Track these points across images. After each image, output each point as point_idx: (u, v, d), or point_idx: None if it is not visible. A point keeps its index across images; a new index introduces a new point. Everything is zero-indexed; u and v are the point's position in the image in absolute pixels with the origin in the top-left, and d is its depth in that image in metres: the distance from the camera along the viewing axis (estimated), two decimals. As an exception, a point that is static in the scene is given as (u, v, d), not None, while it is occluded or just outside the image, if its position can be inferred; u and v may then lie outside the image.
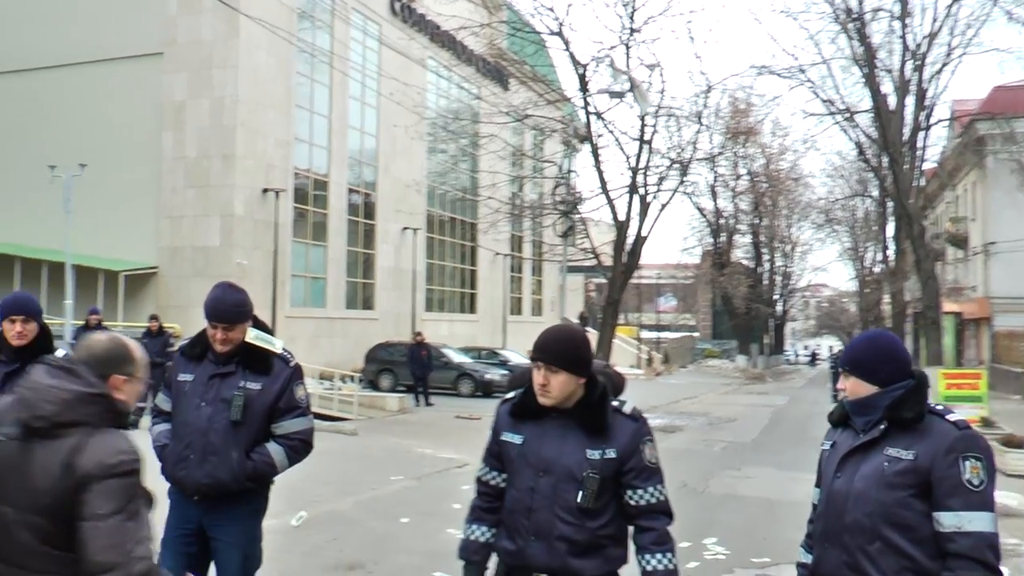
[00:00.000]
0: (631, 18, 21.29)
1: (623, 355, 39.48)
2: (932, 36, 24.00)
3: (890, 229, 41.38)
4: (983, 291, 33.55)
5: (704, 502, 10.18)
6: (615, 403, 3.02)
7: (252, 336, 3.93)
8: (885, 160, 25.65)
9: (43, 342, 4.22)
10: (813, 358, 76.70)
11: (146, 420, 4.69)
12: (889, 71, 24.98)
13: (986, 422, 16.21)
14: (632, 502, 2.95)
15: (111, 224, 25.00)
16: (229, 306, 3.88)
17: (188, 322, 20.65)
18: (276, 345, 4.00)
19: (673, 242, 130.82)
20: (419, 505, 9.45)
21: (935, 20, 24.07)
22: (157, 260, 25.13)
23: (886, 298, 45.00)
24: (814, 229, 52.73)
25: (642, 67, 21.77)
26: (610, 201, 22.13)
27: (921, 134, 25.27)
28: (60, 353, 4.25)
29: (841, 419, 2.87)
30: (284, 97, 26.20)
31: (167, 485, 3.93)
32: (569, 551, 2.91)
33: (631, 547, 3.03)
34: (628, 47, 21.42)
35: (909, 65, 24.34)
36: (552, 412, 2.99)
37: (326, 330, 27.77)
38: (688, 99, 35.84)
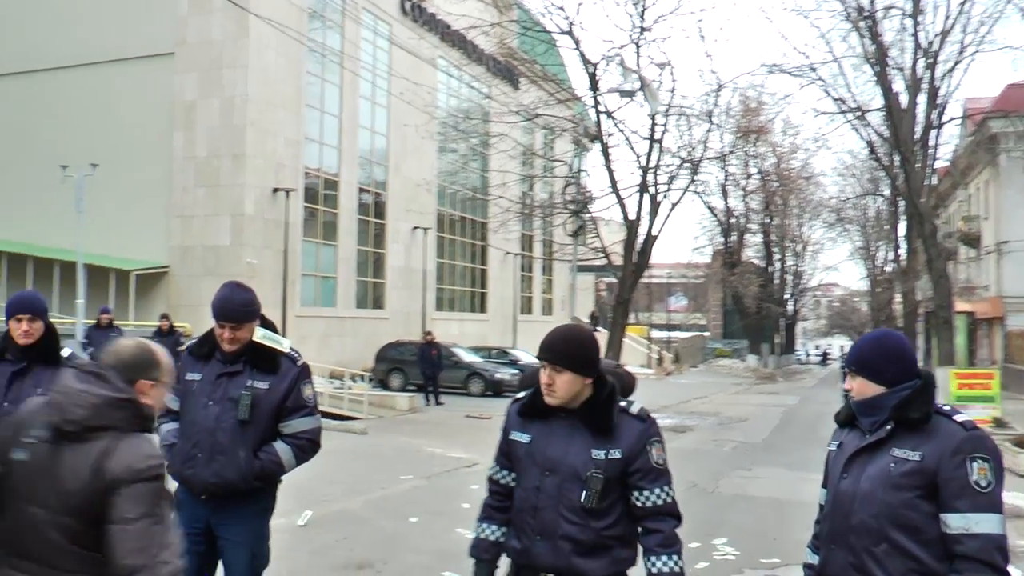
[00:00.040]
0: (641, 17, 21.29)
1: (634, 355, 39.42)
2: (944, 34, 23.84)
3: (902, 228, 41.23)
4: (996, 290, 33.37)
5: (714, 502, 10.16)
6: (623, 403, 3.02)
7: (260, 335, 3.94)
8: (897, 159, 25.49)
9: (49, 341, 4.23)
10: (824, 358, 76.52)
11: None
12: (901, 69, 24.84)
13: (998, 422, 16.16)
14: (638, 503, 2.94)
15: (122, 223, 25.12)
16: (237, 305, 3.88)
17: (199, 321, 20.70)
18: (283, 344, 4.01)
19: (684, 241, 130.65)
20: (428, 504, 9.46)
21: (947, 17, 23.91)
22: (168, 259, 25.22)
23: (898, 298, 44.84)
24: (825, 228, 52.66)
25: (652, 66, 21.74)
26: (620, 200, 22.11)
27: (933, 132, 25.12)
28: (66, 352, 4.29)
29: (848, 419, 2.86)
30: (294, 97, 26.25)
31: (175, 484, 3.94)
32: (574, 551, 2.91)
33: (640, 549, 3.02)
34: (638, 46, 21.42)
35: (921, 63, 24.19)
36: (560, 412, 3.00)
37: (336, 329, 27.83)
38: (699, 98, 35.86)
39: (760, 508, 9.98)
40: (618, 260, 22.69)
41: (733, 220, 46.20)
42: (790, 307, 57.54)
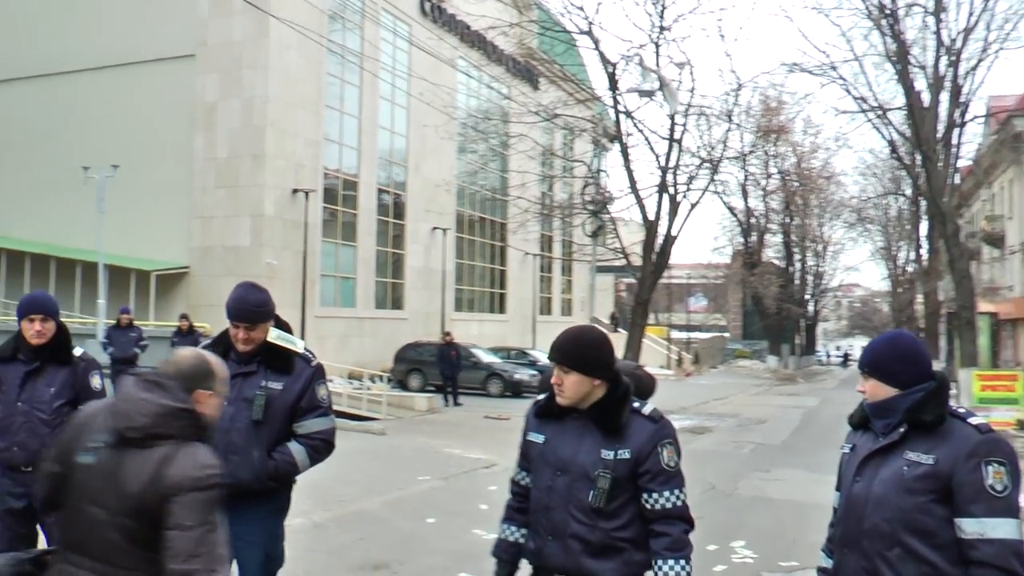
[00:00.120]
0: (661, 16, 21.26)
1: (653, 355, 39.30)
2: (968, 31, 23.58)
3: (923, 228, 40.96)
4: (1020, 291, 32.99)
5: (732, 504, 10.11)
6: (635, 404, 3.01)
7: (274, 336, 3.95)
8: (918, 158, 25.26)
9: (61, 341, 4.26)
10: (845, 359, 75.91)
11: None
12: (923, 67, 24.59)
13: (1022, 425, 15.98)
14: (648, 505, 2.93)
15: (143, 224, 25.30)
16: (251, 306, 3.89)
17: (218, 322, 20.65)
18: (298, 345, 4.01)
19: (703, 242, 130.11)
20: (446, 505, 9.47)
21: (971, 15, 23.62)
22: (188, 260, 25.38)
23: (919, 298, 44.50)
24: (846, 228, 52.32)
25: (672, 65, 21.72)
26: (640, 200, 22.08)
27: (956, 131, 24.84)
28: (78, 351, 4.32)
29: (861, 422, 2.82)
30: (314, 97, 26.35)
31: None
32: (583, 551, 2.91)
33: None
34: (658, 45, 21.39)
35: (943, 61, 23.94)
36: (573, 412, 3.01)
37: (355, 330, 27.90)
38: (718, 97, 35.64)
39: (779, 510, 9.92)
40: (637, 261, 22.64)
41: (753, 220, 46.00)
42: (810, 308, 57.22)
